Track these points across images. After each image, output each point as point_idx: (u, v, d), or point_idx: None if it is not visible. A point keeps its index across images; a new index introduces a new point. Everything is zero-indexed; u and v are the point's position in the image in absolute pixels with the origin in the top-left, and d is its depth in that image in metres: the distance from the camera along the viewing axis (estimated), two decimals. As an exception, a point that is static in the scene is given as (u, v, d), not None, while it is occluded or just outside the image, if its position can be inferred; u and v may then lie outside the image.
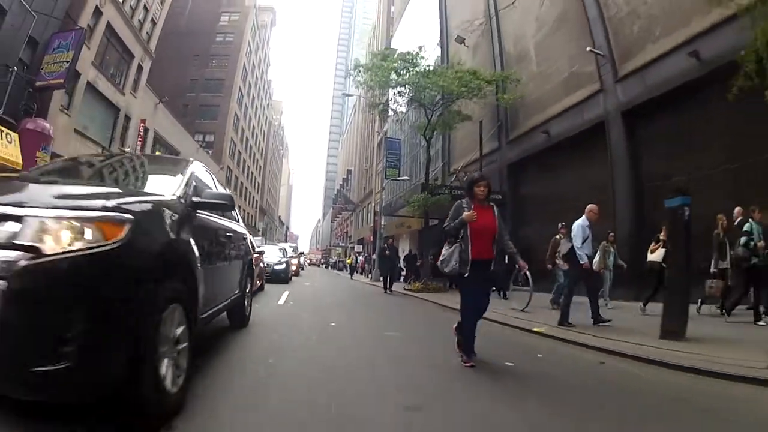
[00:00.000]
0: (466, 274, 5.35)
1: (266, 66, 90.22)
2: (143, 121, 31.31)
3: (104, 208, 2.76)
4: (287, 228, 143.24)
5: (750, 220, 8.77)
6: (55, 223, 2.52)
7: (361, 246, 61.28)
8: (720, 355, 5.68)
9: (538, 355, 6.52)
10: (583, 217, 8.89)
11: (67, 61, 19.41)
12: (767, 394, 4.62)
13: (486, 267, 5.51)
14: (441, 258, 5.58)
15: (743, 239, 8.72)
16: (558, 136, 19.22)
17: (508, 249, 5.73)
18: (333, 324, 8.90)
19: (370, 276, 34.25)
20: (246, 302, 7.23)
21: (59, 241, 2.49)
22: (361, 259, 47.41)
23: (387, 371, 5.23)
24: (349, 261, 49.04)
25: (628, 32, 16.02)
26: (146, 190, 4.22)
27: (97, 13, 24.13)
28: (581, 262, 8.52)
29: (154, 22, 32.18)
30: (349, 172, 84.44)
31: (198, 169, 5.22)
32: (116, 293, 2.62)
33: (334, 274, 47.10)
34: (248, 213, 71.96)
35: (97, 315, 2.52)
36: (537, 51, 21.78)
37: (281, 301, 12.98)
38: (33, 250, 2.42)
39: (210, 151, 52.84)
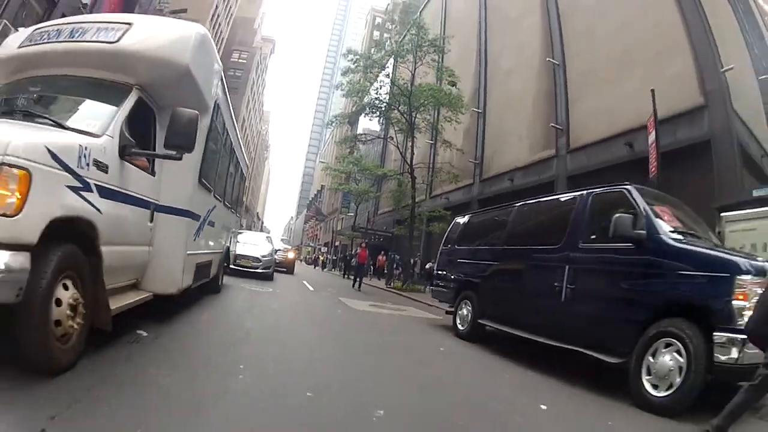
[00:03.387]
0: None
1: (263, 89, 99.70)
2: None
3: None
4: (262, 222, 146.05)
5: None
6: None
7: (326, 248, 73.64)
8: None
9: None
10: None
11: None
12: None
13: None
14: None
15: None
16: (519, 185, 24.25)
17: None
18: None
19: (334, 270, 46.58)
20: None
21: None
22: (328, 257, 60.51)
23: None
24: (322, 259, 60.38)
25: (583, 116, 21.21)
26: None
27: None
28: None
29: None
30: (322, 187, 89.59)
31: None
32: None
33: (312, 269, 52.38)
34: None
35: None
36: (514, 115, 27.06)
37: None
38: None
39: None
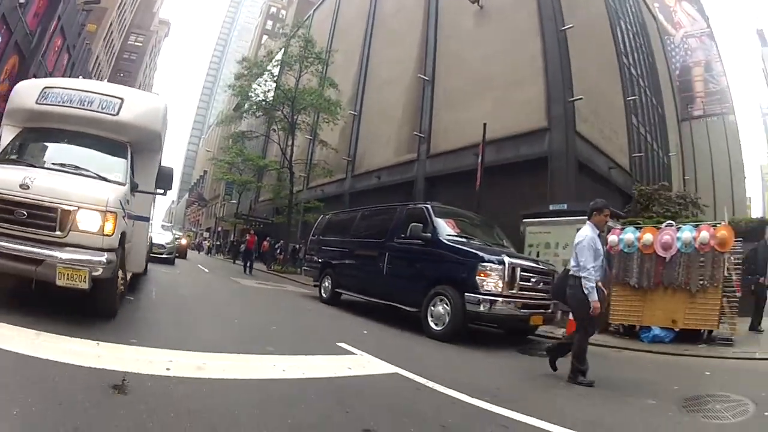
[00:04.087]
0: None
1: (154, 72, 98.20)
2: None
3: None
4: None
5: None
6: None
7: (208, 233, 73.89)
8: None
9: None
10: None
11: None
12: None
13: None
14: None
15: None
16: (385, 182, 28.32)
17: None
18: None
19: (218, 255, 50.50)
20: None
21: None
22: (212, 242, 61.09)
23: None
24: (208, 244, 59.26)
25: (442, 128, 25.35)
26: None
27: None
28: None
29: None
30: (205, 172, 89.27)
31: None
32: None
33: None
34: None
35: None
36: (385, 120, 30.91)
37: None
38: None
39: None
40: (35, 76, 27.58)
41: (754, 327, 10.36)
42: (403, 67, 30.34)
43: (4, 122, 8.01)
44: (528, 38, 22.30)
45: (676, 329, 9.25)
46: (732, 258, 9.20)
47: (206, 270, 22.64)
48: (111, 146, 7.29)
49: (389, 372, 5.44)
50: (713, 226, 9.36)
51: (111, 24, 51.39)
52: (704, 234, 8.93)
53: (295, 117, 29.50)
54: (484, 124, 18.10)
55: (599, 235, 6.11)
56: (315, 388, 4.48)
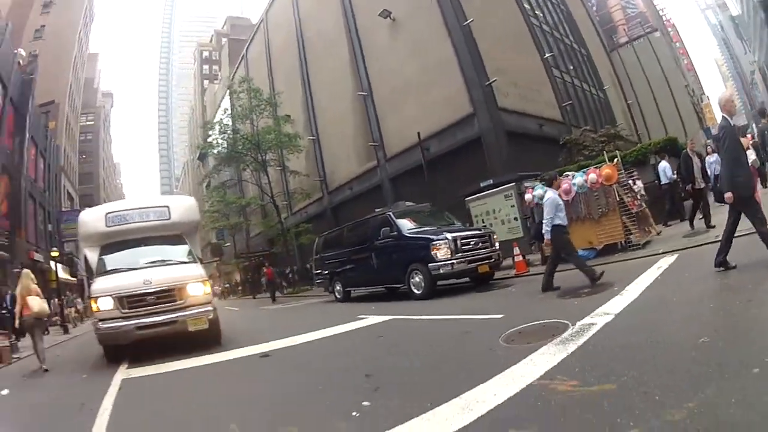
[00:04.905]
0: None
1: (110, 144, 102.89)
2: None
3: None
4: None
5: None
6: None
7: (210, 279, 76.10)
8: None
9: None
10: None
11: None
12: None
13: None
14: None
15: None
16: (357, 191, 32.24)
17: None
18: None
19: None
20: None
21: None
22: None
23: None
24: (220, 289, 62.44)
25: (389, 133, 29.09)
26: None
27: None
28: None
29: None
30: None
31: None
32: None
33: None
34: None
35: None
36: (341, 137, 34.64)
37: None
38: None
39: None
40: (27, 191, 31.20)
41: (692, 225, 12.46)
42: (342, 86, 33.96)
43: (82, 245, 11.66)
44: (438, 40, 25.75)
45: (598, 248, 12.50)
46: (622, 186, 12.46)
47: (235, 308, 26.31)
48: (172, 239, 10.87)
49: (393, 318, 9.42)
50: (597, 167, 12.86)
51: (66, 116, 53.91)
52: (592, 176, 12.29)
53: (263, 156, 33.15)
54: (418, 133, 22.46)
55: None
56: (356, 333, 8.52)
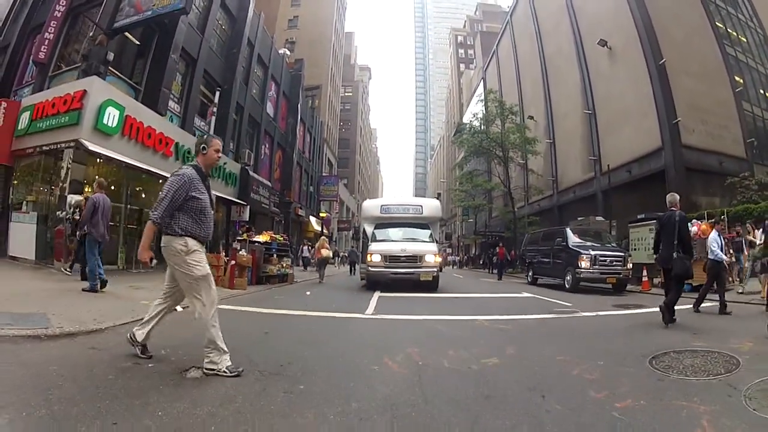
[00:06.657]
0: None
1: (368, 113, 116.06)
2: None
3: None
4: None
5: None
6: None
7: (451, 248, 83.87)
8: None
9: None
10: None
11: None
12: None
13: None
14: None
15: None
16: (579, 196, 37.09)
17: None
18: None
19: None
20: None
21: None
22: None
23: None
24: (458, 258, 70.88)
25: (610, 148, 33.02)
26: None
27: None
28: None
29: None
30: (439, 194, 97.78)
31: None
32: None
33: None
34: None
35: None
36: (570, 144, 39.66)
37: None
38: None
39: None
40: (296, 160, 41.70)
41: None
42: (574, 101, 38.61)
43: (363, 222, 20.07)
44: (639, 74, 28.96)
45: (693, 284, 14.54)
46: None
47: (460, 276, 33.53)
48: (421, 226, 18.34)
49: (533, 296, 15.63)
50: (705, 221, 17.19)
51: (329, 95, 64.16)
52: (693, 228, 15.66)
53: (506, 154, 40.19)
54: (608, 165, 27.87)
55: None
56: (495, 301, 14.92)
